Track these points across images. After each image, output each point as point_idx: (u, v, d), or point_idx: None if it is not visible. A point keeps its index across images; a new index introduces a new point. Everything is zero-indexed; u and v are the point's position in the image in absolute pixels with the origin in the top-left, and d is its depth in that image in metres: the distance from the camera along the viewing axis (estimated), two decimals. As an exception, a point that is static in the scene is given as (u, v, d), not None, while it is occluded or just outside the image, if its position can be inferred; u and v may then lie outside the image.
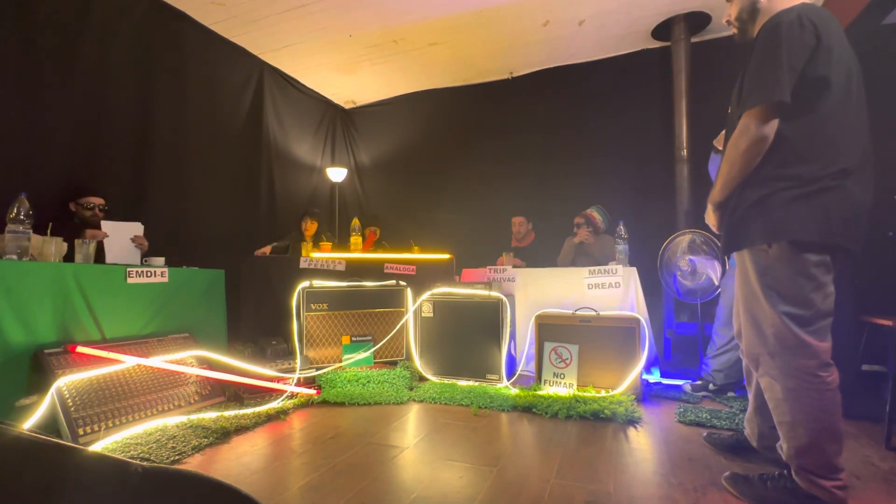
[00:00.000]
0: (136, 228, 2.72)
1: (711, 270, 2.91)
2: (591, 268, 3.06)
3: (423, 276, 3.37)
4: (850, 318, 2.22)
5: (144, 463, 0.65)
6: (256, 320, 3.32)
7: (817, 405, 1.33)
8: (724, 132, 2.25)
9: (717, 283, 2.89)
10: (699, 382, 2.67)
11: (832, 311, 1.36)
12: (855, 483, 1.53)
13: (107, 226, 2.61)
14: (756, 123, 1.33)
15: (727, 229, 1.49)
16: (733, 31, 1.57)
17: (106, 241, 2.58)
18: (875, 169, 1.38)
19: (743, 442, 1.76)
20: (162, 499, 0.61)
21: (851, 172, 1.30)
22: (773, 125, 1.32)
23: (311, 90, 5.17)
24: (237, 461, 1.75)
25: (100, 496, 0.59)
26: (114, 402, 2.00)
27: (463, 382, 2.87)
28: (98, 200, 2.80)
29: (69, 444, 0.64)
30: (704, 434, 1.93)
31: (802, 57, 1.29)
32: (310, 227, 4.14)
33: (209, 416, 2.15)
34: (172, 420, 2.09)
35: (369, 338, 3.14)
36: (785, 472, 1.41)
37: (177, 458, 1.75)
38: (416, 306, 3.11)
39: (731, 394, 2.56)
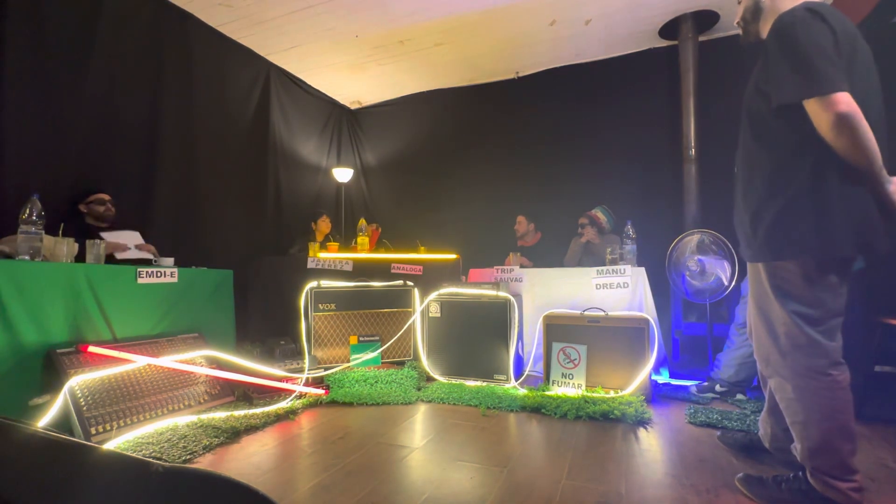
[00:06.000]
0: (135, 237, 2.73)
1: (721, 270, 2.89)
2: (600, 268, 3.04)
3: (429, 277, 3.37)
4: (862, 319, 2.20)
5: (159, 462, 0.65)
6: (265, 320, 3.34)
7: (829, 403, 1.32)
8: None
9: (726, 284, 2.87)
10: (706, 384, 2.65)
11: (843, 311, 1.34)
12: (870, 485, 1.51)
13: (108, 236, 2.63)
14: (824, 112, 1.20)
15: (746, 238, 1.47)
16: (741, 32, 1.56)
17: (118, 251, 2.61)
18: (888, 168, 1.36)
19: (756, 442, 1.75)
20: (183, 498, 0.62)
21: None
22: (844, 101, 1.18)
23: (318, 91, 5.18)
24: (247, 461, 1.76)
25: (122, 495, 0.60)
26: (125, 402, 2.02)
27: (471, 383, 2.87)
28: (106, 196, 2.83)
29: (90, 443, 0.65)
30: (718, 433, 1.92)
31: (832, 45, 1.23)
32: (323, 226, 4.19)
33: (219, 415, 2.17)
34: (183, 419, 2.10)
35: (377, 338, 3.15)
36: (799, 473, 1.40)
37: (188, 457, 1.75)
38: (423, 306, 3.10)
39: (740, 396, 2.54)
